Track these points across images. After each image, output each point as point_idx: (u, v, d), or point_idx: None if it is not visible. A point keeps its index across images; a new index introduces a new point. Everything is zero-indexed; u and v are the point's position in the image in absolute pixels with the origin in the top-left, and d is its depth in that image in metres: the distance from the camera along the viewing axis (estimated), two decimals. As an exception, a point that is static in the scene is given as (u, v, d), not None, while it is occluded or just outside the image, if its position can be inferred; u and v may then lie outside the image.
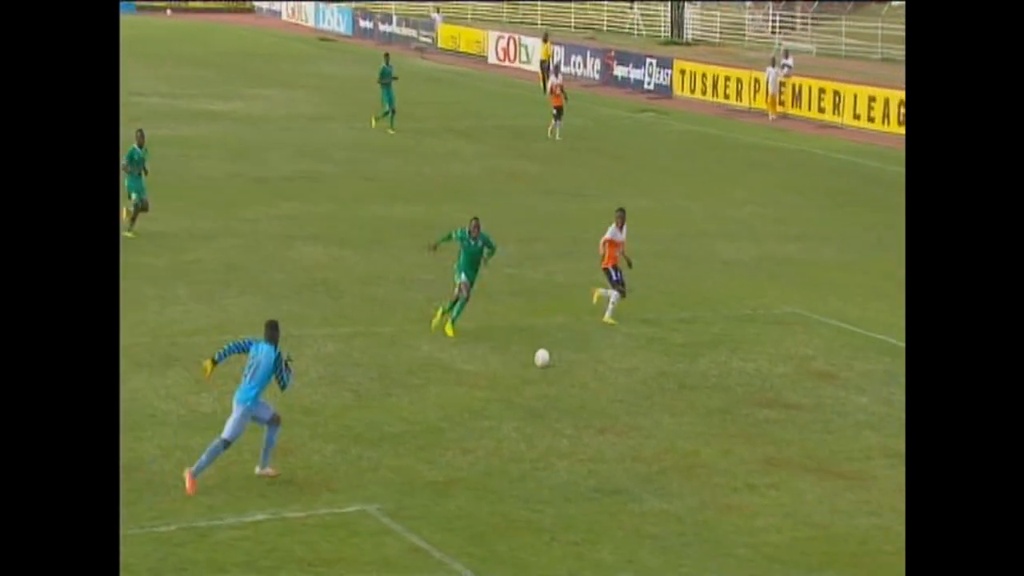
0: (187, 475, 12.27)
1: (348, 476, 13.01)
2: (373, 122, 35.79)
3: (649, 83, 45.48)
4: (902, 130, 35.80)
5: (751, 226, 25.23)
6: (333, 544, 11.46)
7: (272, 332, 12.62)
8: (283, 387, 12.73)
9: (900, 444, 13.66)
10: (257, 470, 12.75)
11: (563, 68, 46.68)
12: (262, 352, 12.48)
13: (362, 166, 31.37)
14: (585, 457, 13.45)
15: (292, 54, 55.68)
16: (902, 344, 17.52)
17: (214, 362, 12.81)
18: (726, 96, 42.10)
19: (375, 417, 14.68)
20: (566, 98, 35.11)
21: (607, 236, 18.53)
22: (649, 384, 15.77)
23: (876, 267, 22.08)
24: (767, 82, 39.71)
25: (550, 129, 34.89)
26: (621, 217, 18.58)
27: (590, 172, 31.12)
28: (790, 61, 40.80)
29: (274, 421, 12.69)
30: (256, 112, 39.13)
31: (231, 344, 12.85)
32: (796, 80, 39.65)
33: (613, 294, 18.35)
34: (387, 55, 37.53)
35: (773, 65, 40.07)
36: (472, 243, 17.39)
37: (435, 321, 17.47)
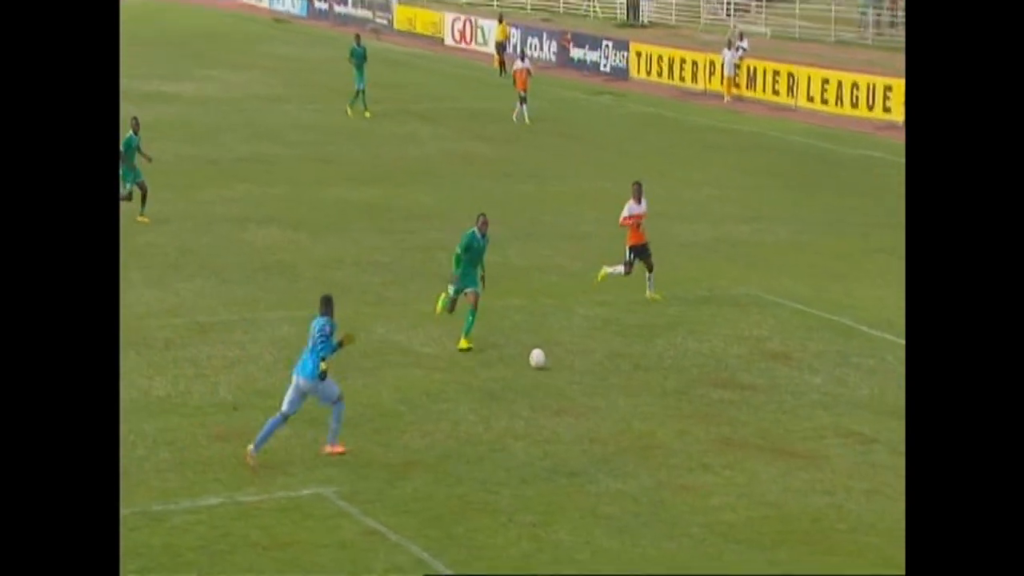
0: (248, 451, 12.52)
1: (304, 459, 12.96)
2: (348, 111, 35.28)
3: (605, 65, 45.49)
4: (856, 112, 36.06)
5: (707, 208, 25.33)
6: (288, 527, 11.41)
7: (325, 306, 12.88)
8: (321, 358, 12.76)
9: (853, 423, 13.79)
10: (326, 449, 12.87)
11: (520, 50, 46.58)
12: (314, 325, 12.73)
13: (318, 148, 31.18)
14: (542, 438, 13.47)
15: (246, 35, 55.19)
16: (855, 325, 17.68)
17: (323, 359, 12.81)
18: (682, 78, 42.19)
19: (331, 400, 14.61)
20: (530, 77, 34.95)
21: (625, 213, 18.21)
22: (605, 365, 15.81)
23: (830, 248, 22.24)
24: (723, 64, 39.84)
25: (516, 113, 34.71)
26: (637, 190, 18.20)
27: (547, 154, 31.10)
28: (745, 43, 40.93)
29: (339, 399, 12.85)
30: (209, 93, 38.77)
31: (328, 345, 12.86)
32: (751, 62, 39.80)
33: (619, 269, 18.20)
34: (358, 36, 36.92)
35: (729, 47, 40.20)
36: (480, 241, 16.36)
37: (438, 305, 16.69)
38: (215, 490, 12.16)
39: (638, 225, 18.22)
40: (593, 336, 17.03)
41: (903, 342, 16.99)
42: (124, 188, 22.12)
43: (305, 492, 12.19)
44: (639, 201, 18.22)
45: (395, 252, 21.67)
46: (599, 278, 18.54)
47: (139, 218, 22.12)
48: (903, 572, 10.59)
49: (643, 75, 43.68)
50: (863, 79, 36.44)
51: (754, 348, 16.63)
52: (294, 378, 12.79)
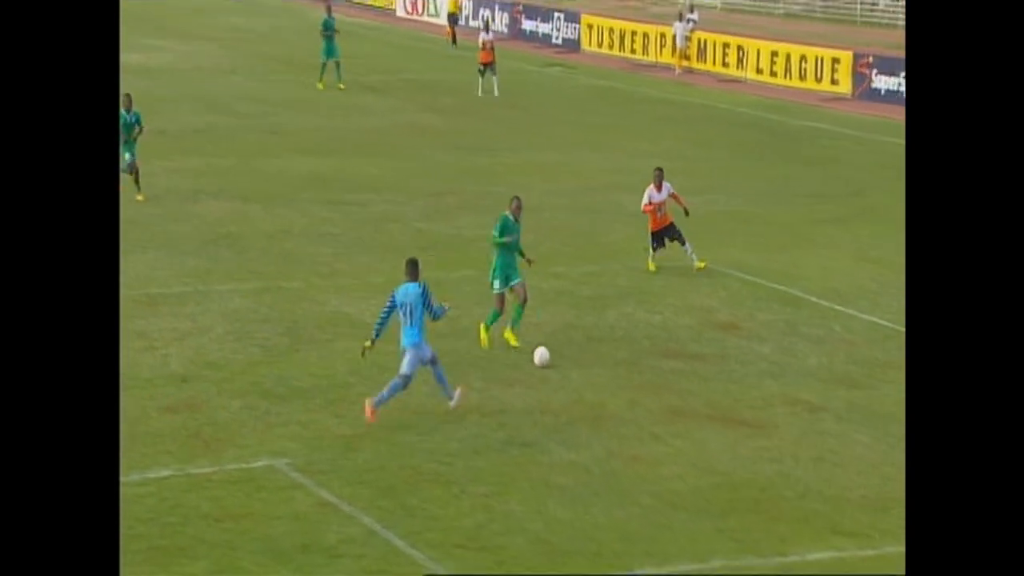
0: (367, 404, 12.75)
1: (256, 431, 12.90)
2: (320, 85, 34.84)
3: (557, 37, 45.40)
4: (803, 84, 36.24)
5: (657, 180, 25.36)
6: (240, 499, 11.36)
7: (412, 269, 13.00)
8: (435, 318, 13.14)
9: (800, 392, 13.93)
10: (451, 405, 13.15)
11: (472, 22, 46.34)
12: (410, 293, 12.87)
13: (267, 120, 30.90)
14: (494, 410, 13.49)
15: (193, 5, 54.46)
16: (803, 295, 17.82)
17: (373, 341, 13.17)
18: (633, 51, 42.19)
19: (283, 372, 14.55)
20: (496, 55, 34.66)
21: (645, 200, 17.96)
22: (557, 337, 15.84)
23: (778, 219, 22.39)
24: (674, 37, 39.86)
25: (481, 86, 34.34)
26: (659, 176, 17.93)
27: (498, 126, 31.01)
28: (695, 16, 41.00)
29: (434, 360, 13.16)
30: (155, 64, 38.27)
31: (380, 318, 13.17)
32: (701, 35, 39.86)
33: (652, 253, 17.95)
34: (329, 7, 36.37)
35: (680, 20, 40.22)
36: (515, 226, 15.09)
37: (483, 338, 15.01)
38: (165, 462, 12.07)
39: (658, 211, 17.87)
40: (545, 308, 17.05)
41: (851, 312, 17.18)
42: (123, 162, 21.78)
43: (257, 464, 12.14)
44: (660, 188, 17.87)
45: (346, 224, 21.54)
46: (651, 268, 18.06)
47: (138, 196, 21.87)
48: (849, 539, 10.77)
49: (594, 47, 43.62)
50: (811, 51, 36.60)
51: (703, 319, 16.73)
52: (405, 350, 13.07)
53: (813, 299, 17.62)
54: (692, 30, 39.87)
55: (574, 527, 10.94)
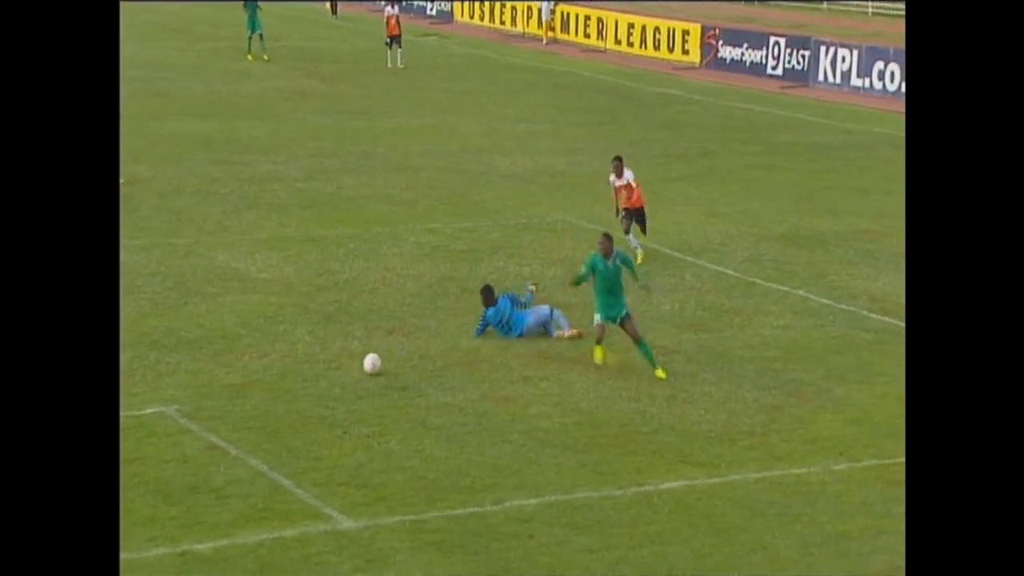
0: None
1: (146, 380, 12.53)
2: (249, 57, 33.61)
3: (432, 9, 44.99)
4: (657, 53, 36.53)
5: (524, 141, 25.34)
6: (132, 444, 11.03)
7: (487, 296, 14.00)
8: (525, 306, 14.11)
9: (655, 337, 14.05)
10: (565, 334, 13.77)
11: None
12: (501, 312, 13.92)
13: (153, 84, 29.93)
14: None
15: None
16: (658, 247, 17.97)
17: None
18: (503, 22, 42.02)
19: (172, 324, 14.16)
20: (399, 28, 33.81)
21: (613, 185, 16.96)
22: (434, 288, 15.72)
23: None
24: (540, 10, 39.82)
25: (390, 59, 33.52)
26: (616, 166, 16.92)
27: (376, 92, 30.56)
28: (560, -10, 40.91)
29: (550, 315, 14.10)
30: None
31: (481, 323, 13.96)
32: (565, 8, 39.88)
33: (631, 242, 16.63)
34: None
35: (545, -6, 40.10)
36: (607, 265, 12.84)
37: (598, 355, 12.94)
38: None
39: (629, 193, 16.89)
40: (423, 261, 16.90)
41: (700, 262, 17.39)
42: None
43: (148, 411, 11.80)
44: (619, 175, 16.95)
45: (233, 183, 21.01)
46: (638, 259, 16.14)
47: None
48: (699, 469, 10.92)
49: (467, 19, 43.30)
50: (664, 24, 36.97)
51: (569, 270, 16.76)
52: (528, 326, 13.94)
53: (666, 251, 17.81)
54: (557, 4, 39.83)
55: (449, 464, 10.89)
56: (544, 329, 14.07)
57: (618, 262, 12.89)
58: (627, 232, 17.01)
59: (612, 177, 17.31)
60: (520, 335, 13.87)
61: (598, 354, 12.94)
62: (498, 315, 13.97)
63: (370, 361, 12.73)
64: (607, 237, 12.99)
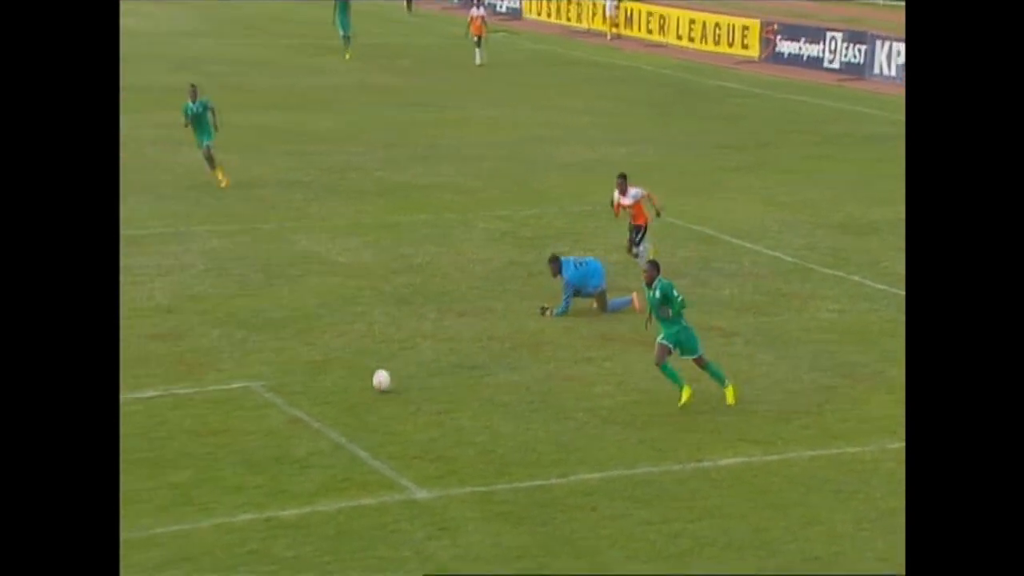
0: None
1: (233, 357, 12.76)
2: (347, 56, 33.27)
3: (502, 6, 45.14)
4: (717, 48, 36.21)
5: (585, 132, 25.29)
6: (220, 417, 11.26)
7: (556, 264, 14.09)
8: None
9: (714, 320, 13.99)
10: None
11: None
12: (582, 267, 14.09)
13: (236, 78, 30.33)
14: (446, 337, 13.44)
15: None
16: (715, 234, 17.87)
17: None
18: (568, 19, 42.00)
19: (258, 304, 14.38)
20: (487, 28, 33.77)
21: (613, 201, 15.84)
22: (502, 272, 15.79)
23: (692, 166, 22.41)
24: (605, 6, 39.74)
25: (478, 56, 33.08)
26: (620, 184, 15.73)
27: (446, 86, 30.66)
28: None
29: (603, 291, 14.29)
30: (134, 27, 37.31)
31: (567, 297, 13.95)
32: (629, 5, 39.75)
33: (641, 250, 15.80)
34: None
35: (611, -9, 39.93)
36: (650, 295, 11.69)
37: (684, 397, 11.64)
38: (152, 384, 11.92)
39: (634, 211, 15.77)
40: (491, 247, 16.97)
41: (758, 248, 17.25)
42: (201, 147, 19.60)
43: (235, 385, 12.02)
44: (624, 193, 15.73)
45: (312, 172, 21.25)
46: (651, 255, 15.12)
47: (218, 176, 19.50)
48: (756, 446, 10.88)
49: (535, 15, 43.35)
50: (724, 19, 36.67)
51: (629, 255, 16.72)
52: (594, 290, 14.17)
53: (725, 238, 17.70)
54: (621, 0, 39.65)
55: (516, 439, 10.96)
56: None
57: (657, 294, 11.52)
58: (637, 245, 15.79)
59: (615, 194, 15.95)
60: (599, 285, 14.05)
61: (683, 394, 11.55)
62: (579, 272, 13.95)
63: (381, 379, 11.84)
64: (651, 265, 11.80)
